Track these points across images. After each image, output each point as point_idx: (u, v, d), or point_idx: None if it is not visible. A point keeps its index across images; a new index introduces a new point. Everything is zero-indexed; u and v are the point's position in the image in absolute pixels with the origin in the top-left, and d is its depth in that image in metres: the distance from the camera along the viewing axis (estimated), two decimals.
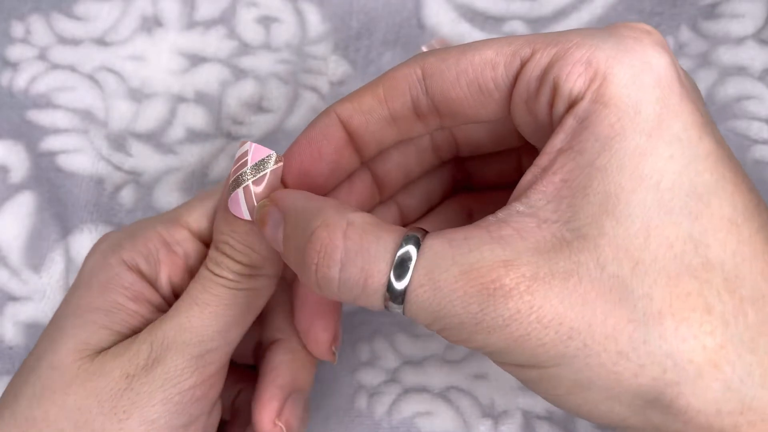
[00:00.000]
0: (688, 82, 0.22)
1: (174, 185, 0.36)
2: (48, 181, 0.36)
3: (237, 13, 0.38)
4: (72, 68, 0.38)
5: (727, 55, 0.36)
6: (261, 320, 0.29)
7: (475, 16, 0.38)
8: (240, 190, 0.25)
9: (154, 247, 0.27)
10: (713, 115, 0.35)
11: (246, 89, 0.37)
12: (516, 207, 0.21)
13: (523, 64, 0.22)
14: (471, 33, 0.37)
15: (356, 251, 0.21)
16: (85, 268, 0.28)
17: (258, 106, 0.37)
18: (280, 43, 0.38)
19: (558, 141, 0.21)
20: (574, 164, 0.21)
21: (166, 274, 0.27)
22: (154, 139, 0.37)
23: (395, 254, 0.21)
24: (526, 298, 0.20)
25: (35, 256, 0.35)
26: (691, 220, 0.20)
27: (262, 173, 0.25)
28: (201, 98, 0.37)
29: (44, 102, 0.38)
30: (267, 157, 0.25)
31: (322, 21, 0.38)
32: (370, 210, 0.29)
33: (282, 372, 0.27)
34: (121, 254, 0.27)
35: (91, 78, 0.38)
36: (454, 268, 0.20)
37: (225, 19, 0.38)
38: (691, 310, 0.20)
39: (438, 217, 0.30)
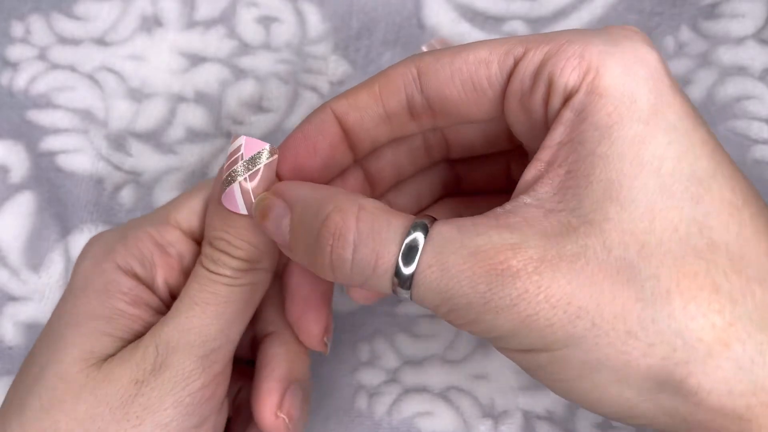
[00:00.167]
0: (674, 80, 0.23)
1: (174, 185, 0.36)
2: (48, 181, 0.36)
3: (237, 12, 0.38)
4: (72, 68, 0.38)
5: (727, 55, 0.36)
6: (254, 314, 0.29)
7: (475, 16, 0.38)
8: (236, 185, 0.25)
9: (148, 250, 0.27)
10: (713, 115, 0.35)
11: (246, 89, 0.37)
12: (523, 199, 0.22)
13: (516, 62, 0.23)
14: (471, 33, 0.37)
15: (368, 233, 0.21)
16: (78, 274, 0.27)
17: (258, 106, 0.37)
18: (280, 43, 0.38)
19: (557, 134, 0.22)
20: (576, 155, 0.21)
21: (162, 277, 0.27)
22: (154, 138, 0.37)
23: (404, 238, 0.21)
24: (534, 278, 0.20)
25: (35, 256, 0.35)
26: (694, 204, 0.21)
27: (257, 167, 0.25)
28: (201, 98, 0.37)
29: (44, 102, 0.38)
30: (262, 150, 0.25)
31: (322, 21, 0.38)
32: None
33: (278, 364, 0.27)
34: (116, 259, 0.26)
35: (91, 78, 0.38)
36: (462, 250, 0.21)
37: (225, 19, 0.38)
38: (698, 289, 0.20)
39: None
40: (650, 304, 0.20)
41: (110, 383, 0.24)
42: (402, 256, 0.21)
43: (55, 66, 0.38)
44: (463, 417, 0.32)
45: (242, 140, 0.25)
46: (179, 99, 0.37)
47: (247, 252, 0.25)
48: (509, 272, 0.20)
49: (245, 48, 0.38)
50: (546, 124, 0.23)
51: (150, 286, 0.27)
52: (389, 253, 0.21)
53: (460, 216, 0.30)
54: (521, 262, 0.20)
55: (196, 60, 0.38)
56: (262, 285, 0.27)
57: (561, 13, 0.37)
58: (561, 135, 0.22)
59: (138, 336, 0.26)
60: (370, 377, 0.33)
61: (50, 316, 0.27)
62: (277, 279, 0.29)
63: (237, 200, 0.25)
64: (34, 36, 0.39)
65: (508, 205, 0.22)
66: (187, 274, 0.27)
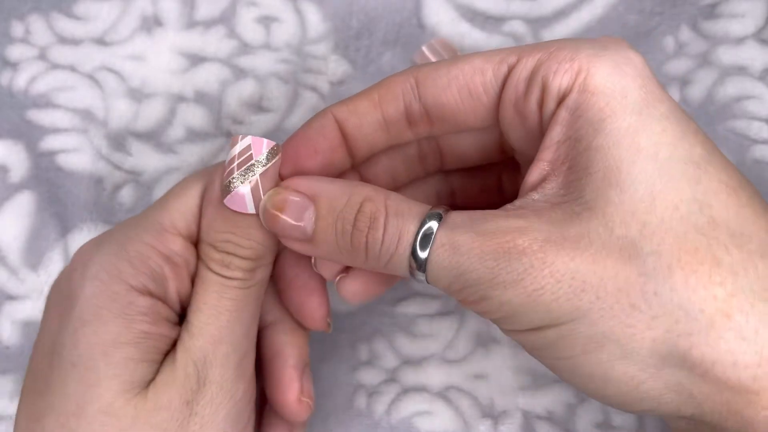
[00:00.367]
0: None
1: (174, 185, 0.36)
2: (48, 180, 0.36)
3: (237, 12, 0.38)
4: (72, 68, 0.38)
5: (727, 55, 0.36)
6: None
7: (475, 16, 0.38)
8: (246, 184, 0.25)
9: (157, 265, 0.25)
10: (713, 115, 0.35)
11: (246, 89, 0.37)
12: (531, 196, 0.23)
13: (510, 69, 0.24)
14: (471, 33, 0.37)
15: (394, 214, 0.23)
16: (85, 299, 0.25)
17: (258, 106, 0.37)
18: (280, 43, 0.38)
19: (555, 133, 0.23)
20: (575, 151, 0.22)
21: (174, 288, 0.26)
22: (154, 138, 0.37)
23: (422, 219, 0.23)
24: (539, 255, 0.21)
25: (34, 255, 0.35)
26: (692, 185, 0.22)
27: (267, 165, 0.25)
28: (201, 98, 0.37)
29: (44, 102, 0.38)
30: (270, 148, 0.25)
31: (322, 21, 0.38)
32: None
33: (290, 352, 0.29)
34: (127, 280, 0.25)
35: (91, 78, 0.38)
36: (472, 232, 0.22)
37: (225, 19, 0.38)
38: (699, 263, 0.21)
39: None
40: (652, 278, 0.21)
41: (162, 410, 0.24)
42: (419, 242, 0.23)
43: (55, 66, 0.38)
44: (462, 417, 0.32)
45: (249, 140, 0.25)
46: (179, 99, 0.37)
47: (254, 251, 0.25)
48: (516, 250, 0.21)
49: (245, 48, 0.38)
50: (540, 128, 0.24)
51: (164, 300, 0.26)
52: (409, 233, 0.23)
53: None
54: (527, 241, 0.21)
55: (196, 60, 0.38)
56: (266, 281, 0.27)
57: (561, 13, 0.37)
58: (559, 134, 0.23)
59: (164, 353, 0.25)
60: (369, 377, 0.33)
61: (49, 343, 0.25)
62: None
63: (246, 200, 0.25)
64: (34, 36, 0.39)
65: (517, 202, 0.23)
66: (193, 279, 0.26)
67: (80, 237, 0.36)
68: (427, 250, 0.22)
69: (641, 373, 0.21)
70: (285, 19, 0.38)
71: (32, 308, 0.35)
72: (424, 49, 0.36)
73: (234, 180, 0.25)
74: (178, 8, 0.39)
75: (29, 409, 0.25)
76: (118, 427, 0.24)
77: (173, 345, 0.25)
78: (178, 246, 0.26)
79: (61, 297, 0.26)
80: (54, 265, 0.35)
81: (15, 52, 0.38)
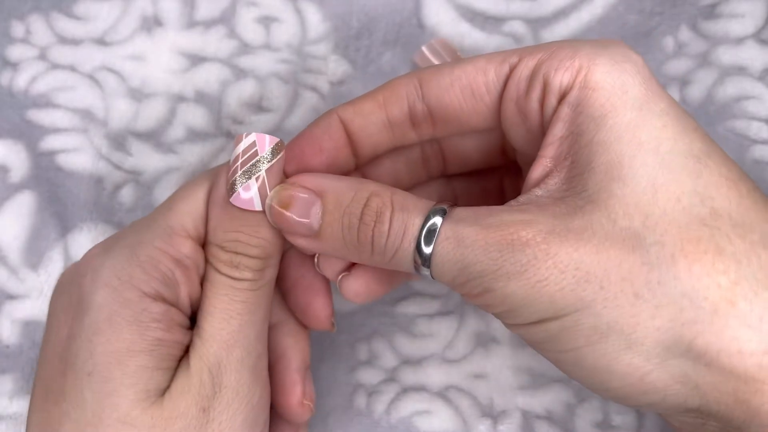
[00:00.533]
0: None
1: (174, 185, 0.36)
2: (48, 180, 0.36)
3: (237, 12, 0.38)
4: (72, 68, 0.38)
5: (727, 55, 0.36)
6: None
7: (475, 16, 0.38)
8: (253, 181, 0.25)
9: (168, 269, 0.25)
10: (713, 115, 0.35)
11: (246, 89, 0.37)
12: (535, 192, 0.23)
13: (512, 69, 0.25)
14: (471, 33, 0.37)
15: (400, 209, 0.24)
16: (98, 307, 0.25)
17: (258, 106, 0.37)
18: (280, 43, 0.38)
19: (557, 130, 0.23)
20: (577, 146, 0.23)
21: (186, 292, 0.26)
22: (154, 138, 0.37)
23: (426, 217, 0.23)
24: (542, 247, 0.21)
25: (34, 255, 0.35)
26: (694, 178, 0.22)
27: (272, 162, 0.25)
28: (201, 98, 0.37)
29: (44, 102, 0.38)
30: (275, 145, 0.25)
31: (322, 21, 0.38)
32: None
33: (293, 355, 0.29)
34: (139, 286, 0.25)
35: (91, 77, 0.38)
36: (476, 225, 0.22)
37: (225, 19, 0.38)
38: (702, 252, 0.21)
39: None
40: (656, 267, 0.21)
41: (179, 418, 0.24)
42: (423, 237, 0.23)
43: (55, 66, 0.38)
44: (462, 416, 0.32)
45: (254, 137, 0.25)
46: (179, 99, 0.37)
47: (263, 249, 0.25)
48: (519, 241, 0.21)
49: (245, 48, 0.38)
50: (542, 126, 0.24)
51: (176, 305, 0.26)
52: (413, 227, 0.23)
53: None
54: (531, 233, 0.21)
55: (196, 60, 0.38)
56: (274, 281, 0.27)
57: (561, 13, 0.37)
58: (561, 130, 0.23)
59: (177, 360, 0.25)
60: (368, 376, 0.33)
61: (60, 350, 0.25)
62: None
63: (253, 197, 0.25)
64: (34, 36, 0.39)
65: (521, 198, 0.23)
66: (203, 282, 0.26)
67: (80, 237, 0.36)
68: (432, 246, 0.23)
69: (646, 364, 0.21)
70: (285, 19, 0.38)
71: (32, 308, 0.35)
72: (424, 49, 0.37)
73: (240, 177, 0.25)
74: (178, 8, 0.39)
75: (43, 417, 0.25)
76: None
77: (186, 351, 0.25)
78: (187, 249, 0.26)
79: (70, 302, 0.26)
80: (54, 265, 0.35)
81: (15, 52, 0.38)
